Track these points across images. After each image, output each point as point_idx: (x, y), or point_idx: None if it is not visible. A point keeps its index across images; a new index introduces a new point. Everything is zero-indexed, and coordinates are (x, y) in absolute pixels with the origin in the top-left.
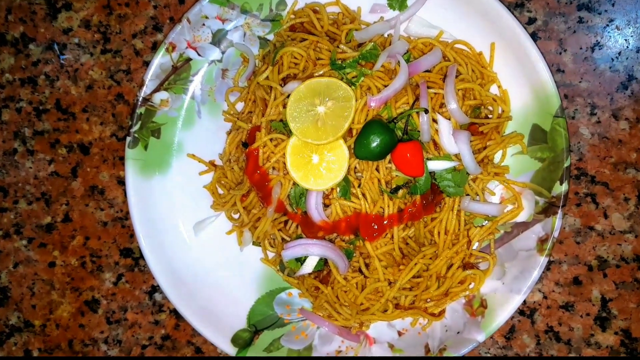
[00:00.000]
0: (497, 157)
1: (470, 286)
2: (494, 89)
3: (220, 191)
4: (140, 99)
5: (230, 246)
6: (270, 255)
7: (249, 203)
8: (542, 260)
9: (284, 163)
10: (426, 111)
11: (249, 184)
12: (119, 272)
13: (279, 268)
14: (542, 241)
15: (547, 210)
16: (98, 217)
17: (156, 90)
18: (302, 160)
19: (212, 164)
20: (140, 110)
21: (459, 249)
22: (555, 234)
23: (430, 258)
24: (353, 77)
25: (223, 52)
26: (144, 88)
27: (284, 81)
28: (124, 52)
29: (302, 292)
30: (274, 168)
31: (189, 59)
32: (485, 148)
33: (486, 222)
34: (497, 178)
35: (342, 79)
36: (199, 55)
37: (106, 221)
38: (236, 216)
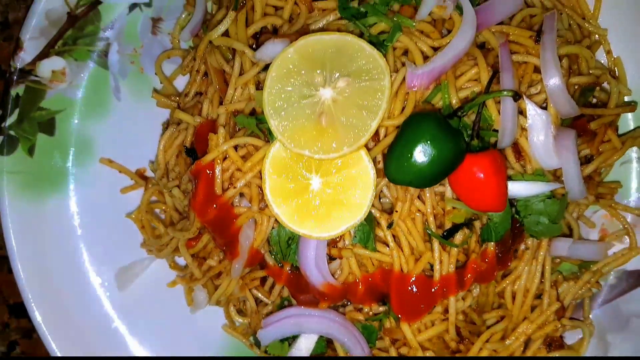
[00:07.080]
0: None
1: None
2: (598, 56)
3: (156, 222)
4: (16, 71)
5: (175, 303)
6: (239, 322)
7: (201, 249)
8: None
9: (260, 188)
10: (517, 97)
11: (200, 223)
12: (10, 339)
13: (252, 341)
14: None
15: None
16: None
17: (42, 55)
18: (291, 183)
19: (140, 175)
20: (17, 90)
21: (546, 319)
22: None
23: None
24: (381, 34)
25: None
26: (21, 52)
27: (257, 40)
28: None
29: None
30: (241, 195)
31: (96, 2)
32: (592, 157)
33: (577, 268)
34: (602, 203)
35: (361, 36)
36: None
37: None
38: (183, 262)
